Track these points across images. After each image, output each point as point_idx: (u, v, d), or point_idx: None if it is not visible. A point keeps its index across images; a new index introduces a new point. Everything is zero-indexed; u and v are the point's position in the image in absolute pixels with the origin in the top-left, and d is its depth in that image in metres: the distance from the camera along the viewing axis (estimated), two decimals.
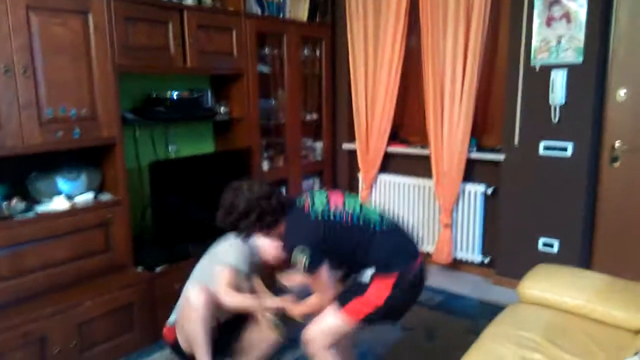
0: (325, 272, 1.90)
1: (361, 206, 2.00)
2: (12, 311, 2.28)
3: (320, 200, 1.97)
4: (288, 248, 1.89)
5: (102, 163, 2.76)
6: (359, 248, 1.93)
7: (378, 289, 1.91)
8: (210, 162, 3.27)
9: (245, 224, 1.92)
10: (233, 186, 1.98)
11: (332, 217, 1.91)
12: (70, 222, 2.51)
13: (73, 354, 2.40)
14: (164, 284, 2.80)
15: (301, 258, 1.83)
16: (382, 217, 2.00)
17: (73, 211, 2.53)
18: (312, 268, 1.86)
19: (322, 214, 1.91)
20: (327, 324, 1.96)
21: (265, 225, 1.93)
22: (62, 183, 2.60)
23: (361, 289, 1.94)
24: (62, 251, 2.49)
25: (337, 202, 1.97)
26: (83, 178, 2.67)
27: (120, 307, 2.60)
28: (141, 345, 2.70)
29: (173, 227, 3.06)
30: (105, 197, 2.72)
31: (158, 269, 2.81)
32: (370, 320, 1.94)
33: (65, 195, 2.57)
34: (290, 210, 1.95)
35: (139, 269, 2.79)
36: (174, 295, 2.80)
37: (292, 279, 2.34)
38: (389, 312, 1.96)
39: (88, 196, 2.65)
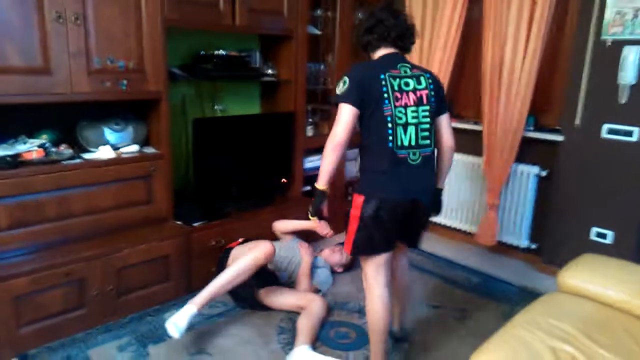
0: (346, 114, 1.90)
1: (414, 124, 1.98)
2: (57, 251, 2.41)
3: (400, 82, 1.97)
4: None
5: (148, 117, 2.82)
6: (372, 136, 1.95)
7: (352, 217, 2.01)
8: (254, 123, 3.28)
9: (355, 35, 2.19)
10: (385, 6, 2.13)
11: (386, 100, 1.93)
12: (114, 171, 2.59)
13: (110, 297, 2.52)
14: (200, 239, 2.87)
15: (340, 85, 1.94)
16: (416, 148, 1.98)
17: (118, 160, 2.60)
18: (341, 97, 1.92)
19: (388, 88, 1.94)
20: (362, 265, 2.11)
21: (362, 45, 2.13)
22: (109, 133, 2.68)
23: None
24: (106, 199, 2.58)
25: (405, 101, 1.97)
26: (129, 130, 2.74)
27: (157, 258, 2.69)
28: (175, 295, 2.79)
29: (213, 184, 3.11)
30: (150, 150, 2.79)
31: (196, 224, 2.88)
32: (358, 247, 2.02)
33: (111, 146, 2.65)
34: (382, 60, 2.04)
35: (178, 222, 2.86)
36: (210, 251, 2.90)
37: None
38: (370, 235, 2.00)
39: (133, 148, 2.72)
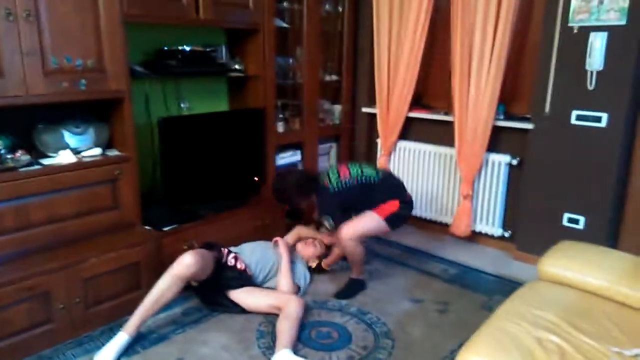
0: (343, 229, 2.77)
1: (361, 169, 2.91)
2: (17, 264, 2.26)
3: (333, 175, 2.88)
4: (320, 214, 2.91)
5: (111, 118, 2.68)
6: (368, 195, 2.85)
7: (391, 205, 2.83)
8: (223, 121, 3.17)
9: (289, 195, 2.91)
10: (281, 174, 3.07)
11: (343, 185, 2.84)
12: (76, 177, 2.45)
13: (78, 310, 2.39)
14: (172, 244, 2.76)
15: (328, 223, 2.85)
16: (377, 171, 2.95)
17: (80, 165, 2.46)
18: (334, 227, 2.83)
19: (337, 184, 2.84)
20: (363, 224, 2.80)
21: (302, 194, 2.89)
22: (69, 137, 2.53)
23: (380, 202, 2.83)
24: (68, 206, 2.44)
25: (345, 173, 2.89)
26: (90, 133, 2.60)
27: (127, 265, 2.56)
28: None
29: (183, 186, 2.99)
30: (113, 153, 2.65)
31: (166, 229, 2.76)
32: (390, 220, 2.81)
33: (72, 150, 2.51)
34: (317, 187, 2.86)
35: (147, 227, 2.74)
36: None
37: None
38: (398, 218, 2.86)
39: (95, 151, 2.58)
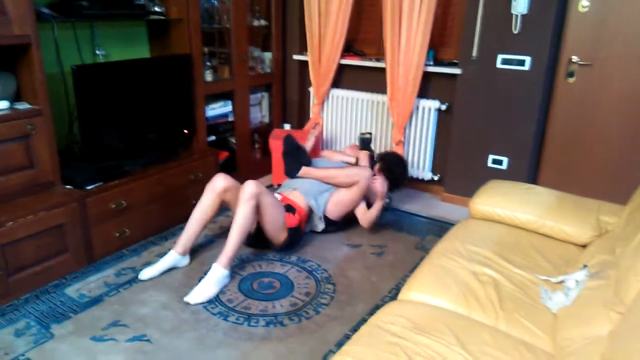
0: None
1: None
2: None
3: None
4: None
5: (17, 67, 2.40)
6: None
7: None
8: (145, 69, 2.94)
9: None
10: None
11: None
12: None
13: None
14: (97, 203, 2.58)
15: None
16: None
17: None
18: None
19: None
20: None
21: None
22: None
23: None
24: None
25: None
26: None
27: (49, 228, 2.38)
28: (76, 267, 2.53)
29: (104, 141, 2.77)
30: (23, 106, 2.39)
31: (89, 187, 2.58)
32: None
33: None
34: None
35: (68, 187, 2.54)
36: (110, 215, 2.64)
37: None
38: None
39: (2, 105, 2.32)
